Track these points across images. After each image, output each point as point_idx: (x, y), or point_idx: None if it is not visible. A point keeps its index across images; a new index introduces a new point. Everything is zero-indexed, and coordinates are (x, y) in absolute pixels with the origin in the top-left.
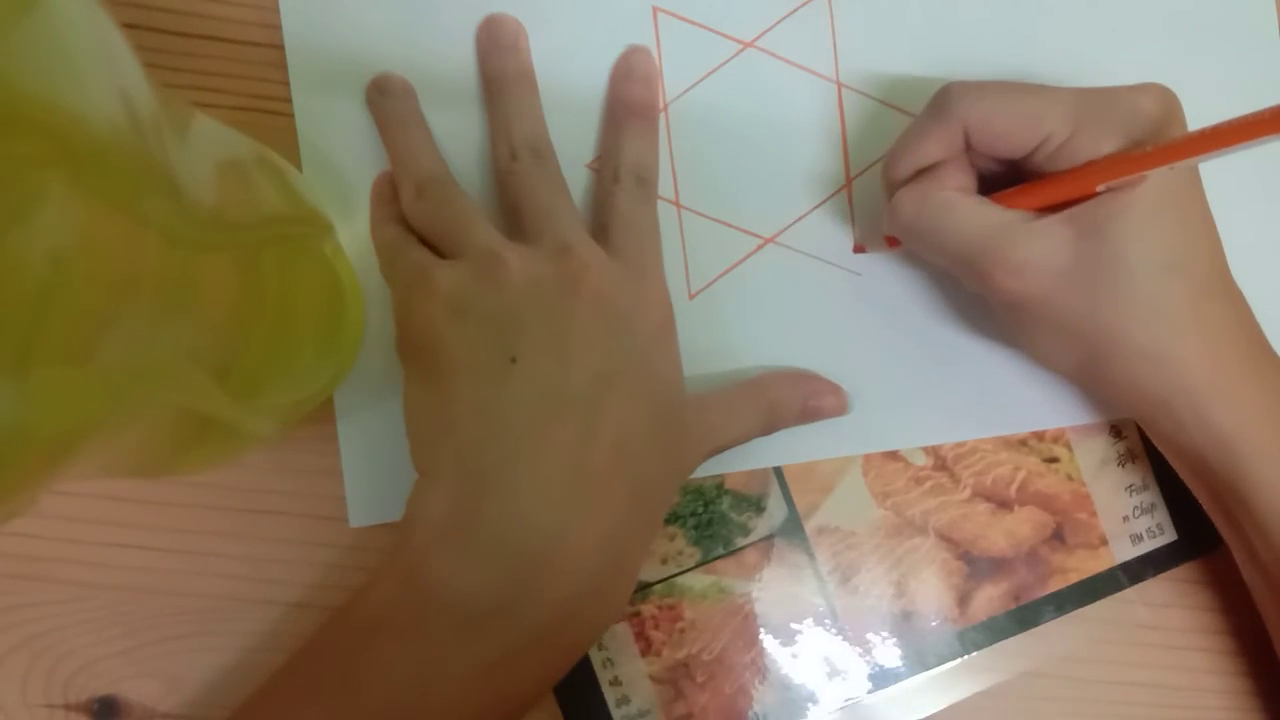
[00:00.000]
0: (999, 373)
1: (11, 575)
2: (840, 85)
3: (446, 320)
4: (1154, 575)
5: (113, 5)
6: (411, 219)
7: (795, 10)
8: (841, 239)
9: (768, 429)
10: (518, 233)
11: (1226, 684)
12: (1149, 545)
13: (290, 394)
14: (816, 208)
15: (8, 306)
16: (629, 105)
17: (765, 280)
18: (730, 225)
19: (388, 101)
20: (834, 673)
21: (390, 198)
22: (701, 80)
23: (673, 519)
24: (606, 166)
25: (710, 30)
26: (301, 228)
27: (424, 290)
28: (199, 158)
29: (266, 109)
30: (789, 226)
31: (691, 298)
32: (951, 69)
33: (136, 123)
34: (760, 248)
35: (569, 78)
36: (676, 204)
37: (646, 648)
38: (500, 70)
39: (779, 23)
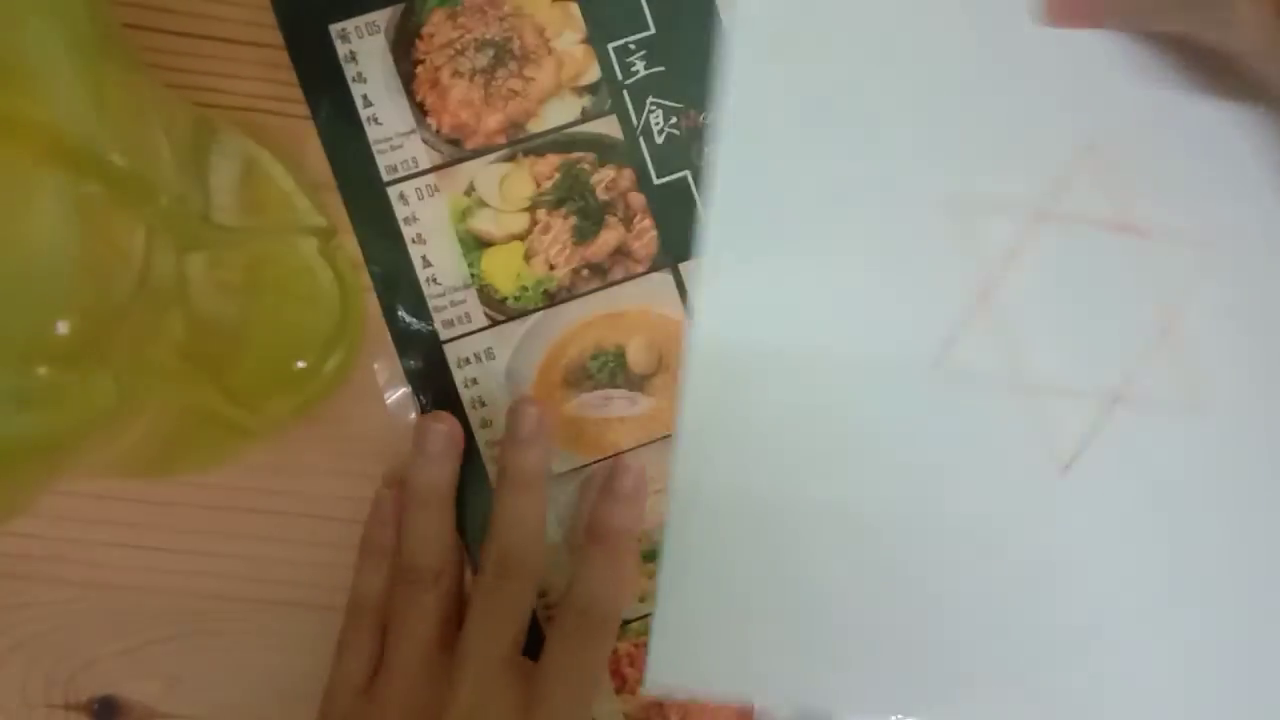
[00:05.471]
0: None
1: (11, 575)
2: None
3: None
4: None
5: (113, 5)
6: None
7: None
8: None
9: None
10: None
11: None
12: None
13: (289, 394)
14: None
15: (8, 306)
16: (596, 530)
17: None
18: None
19: (424, 466)
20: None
21: (379, 551)
22: None
23: (649, 557)
24: (565, 588)
25: None
26: (300, 228)
27: (322, 711)
28: (199, 158)
29: (267, 109)
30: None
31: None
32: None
33: (137, 122)
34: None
35: None
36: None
37: (621, 685)
38: (518, 467)
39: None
